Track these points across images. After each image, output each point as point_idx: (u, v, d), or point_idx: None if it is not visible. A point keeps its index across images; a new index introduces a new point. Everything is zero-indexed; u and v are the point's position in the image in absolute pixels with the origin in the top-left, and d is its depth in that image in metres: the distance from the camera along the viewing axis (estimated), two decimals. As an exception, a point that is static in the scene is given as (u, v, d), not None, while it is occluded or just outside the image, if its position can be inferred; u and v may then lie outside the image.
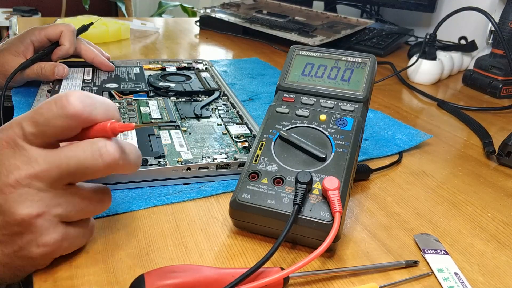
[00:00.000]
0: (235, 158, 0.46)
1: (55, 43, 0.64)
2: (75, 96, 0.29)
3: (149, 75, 0.68)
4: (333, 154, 0.38)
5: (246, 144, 0.50)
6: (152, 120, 0.54)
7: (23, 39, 0.62)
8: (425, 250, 0.37)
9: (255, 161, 0.39)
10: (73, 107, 0.28)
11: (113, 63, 0.73)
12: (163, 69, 0.74)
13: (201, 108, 0.59)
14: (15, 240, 0.29)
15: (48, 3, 3.05)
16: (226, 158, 0.46)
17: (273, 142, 0.40)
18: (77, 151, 0.29)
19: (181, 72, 0.72)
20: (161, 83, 0.65)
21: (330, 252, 0.36)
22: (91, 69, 0.68)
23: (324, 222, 0.34)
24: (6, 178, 0.28)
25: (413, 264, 0.35)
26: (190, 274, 0.30)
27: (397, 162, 0.52)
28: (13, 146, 0.29)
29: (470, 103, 0.75)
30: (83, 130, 0.30)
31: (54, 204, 0.30)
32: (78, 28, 0.67)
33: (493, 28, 0.80)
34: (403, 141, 0.56)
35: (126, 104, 0.58)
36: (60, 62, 0.63)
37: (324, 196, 0.35)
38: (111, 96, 0.60)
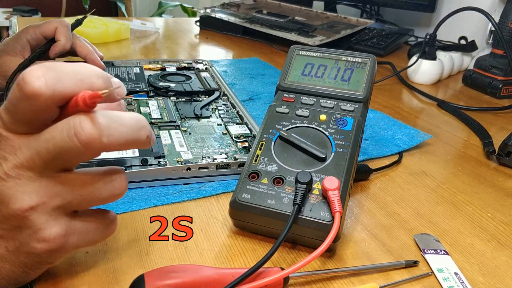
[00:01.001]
0: (235, 158, 0.46)
1: (51, 40, 0.63)
2: (33, 73, 0.25)
3: (149, 75, 0.68)
4: (333, 154, 0.38)
5: (246, 144, 0.50)
6: (153, 121, 0.54)
7: (18, 39, 0.62)
8: (425, 250, 0.37)
9: (255, 161, 0.39)
10: (30, 86, 0.25)
11: (112, 63, 0.73)
12: (163, 69, 0.74)
13: (201, 108, 0.59)
14: (15, 236, 0.28)
15: (48, 3, 3.05)
16: (226, 158, 0.46)
17: (273, 142, 0.40)
18: (54, 133, 0.26)
19: (181, 72, 0.72)
20: (161, 83, 0.65)
21: (330, 252, 0.36)
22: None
23: (324, 222, 0.34)
24: None
25: (413, 264, 0.35)
26: (190, 274, 0.30)
27: (397, 162, 0.52)
28: None
29: (470, 103, 0.75)
30: (62, 108, 0.27)
31: (50, 195, 0.27)
32: (72, 23, 0.66)
33: (493, 28, 0.80)
34: (403, 141, 0.56)
35: (126, 104, 0.58)
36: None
37: (324, 196, 0.35)
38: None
